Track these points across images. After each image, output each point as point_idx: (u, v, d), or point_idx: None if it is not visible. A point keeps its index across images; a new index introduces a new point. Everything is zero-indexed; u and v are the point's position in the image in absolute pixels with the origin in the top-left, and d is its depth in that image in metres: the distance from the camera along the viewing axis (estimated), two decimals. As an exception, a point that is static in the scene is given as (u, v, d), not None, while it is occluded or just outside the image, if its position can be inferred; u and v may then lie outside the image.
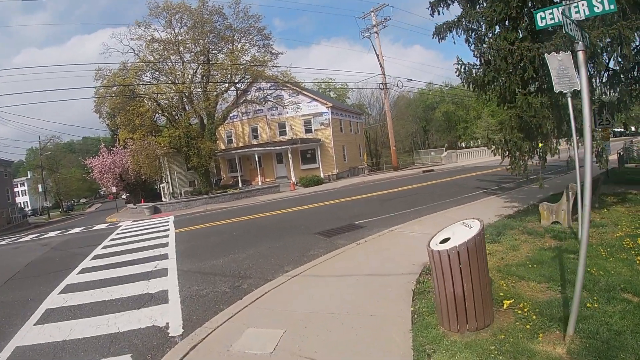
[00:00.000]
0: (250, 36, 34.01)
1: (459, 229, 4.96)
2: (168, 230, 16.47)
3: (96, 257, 12.51)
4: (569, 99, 8.10)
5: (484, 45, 10.04)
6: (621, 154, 24.24)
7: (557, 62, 8.16)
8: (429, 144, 72.56)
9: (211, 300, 7.29)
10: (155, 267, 10.15)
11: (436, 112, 76.81)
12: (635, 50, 9.12)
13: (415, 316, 5.40)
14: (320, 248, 10.21)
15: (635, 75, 9.84)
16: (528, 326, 4.70)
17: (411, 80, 38.33)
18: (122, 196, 52.05)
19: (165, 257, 11.21)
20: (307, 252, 9.96)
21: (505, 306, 5.27)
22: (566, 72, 8.14)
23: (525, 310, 5.15)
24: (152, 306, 7.26)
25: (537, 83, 10.12)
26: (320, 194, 24.66)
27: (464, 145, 75.73)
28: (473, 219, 5.15)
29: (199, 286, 8.18)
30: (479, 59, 11.89)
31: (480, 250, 4.70)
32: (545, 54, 8.10)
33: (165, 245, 13.01)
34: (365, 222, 13.09)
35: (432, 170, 34.53)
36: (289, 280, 7.41)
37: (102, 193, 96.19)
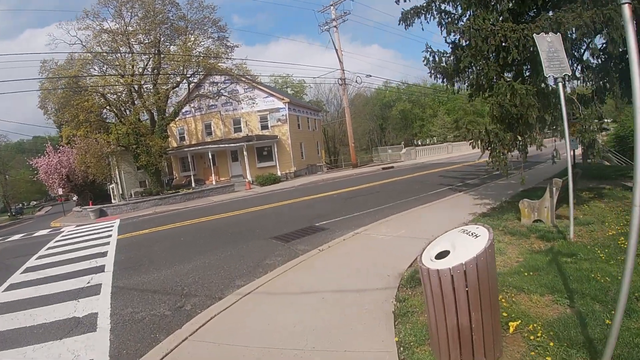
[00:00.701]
0: (205, 28, 32.09)
1: (460, 239, 3.77)
2: (110, 236, 14.67)
3: (28, 269, 10.74)
4: (560, 85, 7.17)
5: (462, 24, 8.93)
6: (584, 148, 24.07)
7: (547, 44, 7.26)
8: (385, 141, 72.31)
9: (147, 327, 5.86)
10: (89, 282, 8.55)
11: (393, 110, 77.06)
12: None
13: (402, 349, 4.18)
14: (277, 256, 8.87)
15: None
16: (548, 359, 3.65)
17: (370, 76, 36.88)
18: (73, 198, 48.59)
19: (101, 269, 9.59)
20: (262, 261, 8.58)
21: (511, 330, 4.18)
22: (556, 54, 7.24)
23: (538, 334, 4.08)
24: (77, 335, 5.80)
25: (516, 68, 9.21)
26: (278, 193, 23.24)
27: (420, 143, 76.18)
28: (477, 225, 3.97)
29: (134, 307, 6.70)
30: (451, 46, 10.94)
31: (491, 267, 3.53)
32: (534, 35, 7.20)
33: (104, 254, 11.32)
34: (327, 223, 11.86)
35: (392, 167, 33.74)
36: (240, 300, 6.03)
37: (52, 195, 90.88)
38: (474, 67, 9.17)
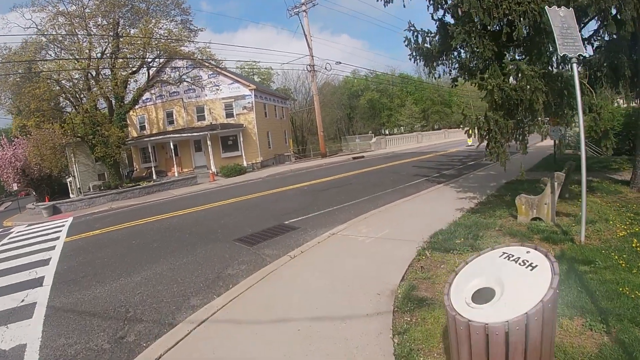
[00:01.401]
0: (167, 10, 30.00)
1: (508, 271, 2.56)
2: (58, 239, 12.87)
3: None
4: (574, 66, 6.10)
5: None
6: (557, 141, 23.59)
7: (560, 19, 6.17)
8: (353, 131, 71.47)
9: (80, 368, 4.52)
10: (23, 300, 6.99)
11: (361, 100, 76.47)
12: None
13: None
14: (241, 263, 7.52)
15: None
16: None
17: (340, 63, 35.31)
18: (33, 193, 45.22)
19: (40, 282, 7.98)
20: (223, 271, 7.22)
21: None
22: (569, 32, 6.16)
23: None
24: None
25: (523, 47, 8.12)
26: (243, 185, 21.74)
27: (387, 133, 75.85)
28: (525, 246, 2.77)
29: (68, 338, 5.28)
30: (438, 24, 9.78)
31: (555, 316, 2.36)
32: (546, 8, 6.09)
33: (47, 262, 9.62)
34: (298, 221, 10.58)
35: (363, 156, 32.59)
36: (193, 331, 4.70)
37: (11, 191, 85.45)
38: (466, 47, 8.02)
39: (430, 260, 6.28)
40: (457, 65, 9.26)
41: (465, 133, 7.91)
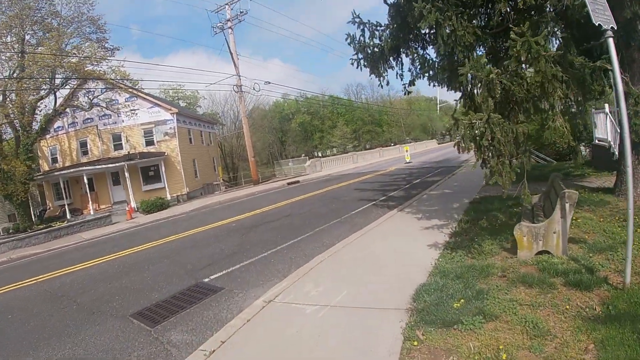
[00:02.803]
0: (81, 26, 26.53)
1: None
2: None
3: None
4: (610, 41, 4.15)
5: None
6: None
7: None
8: (286, 154, 69.41)
9: None
10: None
11: (292, 123, 75.25)
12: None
13: None
14: (134, 364, 4.83)
15: None
16: None
17: (269, 83, 32.24)
18: None
19: None
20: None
21: None
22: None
23: None
24: None
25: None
26: (162, 224, 18.39)
27: (320, 155, 74.63)
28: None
29: None
30: (392, 10, 7.73)
31: None
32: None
33: None
34: (222, 276, 7.85)
35: (298, 181, 29.97)
36: None
37: None
38: (436, 33, 5.93)
39: (427, 349, 3.93)
40: (418, 63, 7.21)
41: (455, 146, 5.72)
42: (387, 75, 9.56)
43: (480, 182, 15.05)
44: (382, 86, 10.10)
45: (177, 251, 11.11)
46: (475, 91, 5.94)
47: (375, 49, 8.27)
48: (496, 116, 4.98)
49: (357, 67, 9.64)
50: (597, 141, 15.00)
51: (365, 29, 7.99)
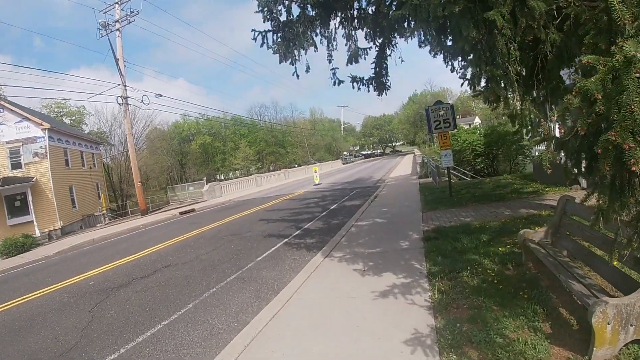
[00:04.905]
0: None
1: None
2: None
3: None
4: None
5: None
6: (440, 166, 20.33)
7: None
8: (186, 178, 63.31)
9: None
10: None
11: (193, 145, 69.57)
12: None
13: None
14: None
15: None
16: None
17: (161, 95, 27.08)
18: None
19: None
20: None
21: None
22: None
23: None
24: None
25: None
26: (9, 279, 13.01)
27: (223, 178, 69.67)
28: None
29: None
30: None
31: None
32: None
33: None
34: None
35: (193, 209, 24.93)
36: None
37: None
38: None
39: None
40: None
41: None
42: (306, 53, 6.09)
43: (415, 205, 12.03)
44: (297, 76, 6.55)
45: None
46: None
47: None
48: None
49: (262, 45, 6.09)
50: (537, 153, 12.83)
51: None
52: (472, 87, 4.61)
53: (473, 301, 4.48)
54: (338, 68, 6.28)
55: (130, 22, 27.33)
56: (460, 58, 5.05)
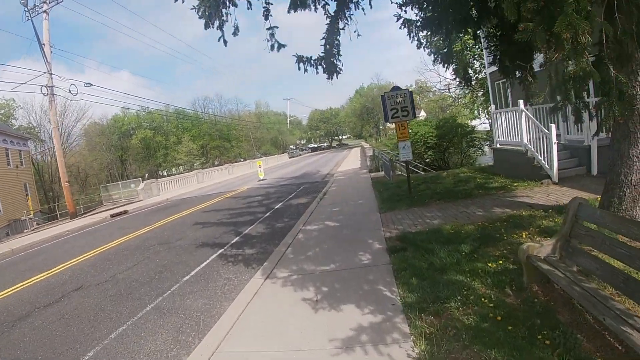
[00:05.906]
0: None
1: None
2: None
3: None
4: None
5: None
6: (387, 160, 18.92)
7: None
8: (127, 175, 59.15)
9: None
10: None
11: (133, 140, 64.86)
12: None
13: None
14: None
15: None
16: None
17: (90, 85, 23.59)
18: None
19: None
20: None
21: None
22: None
23: None
24: None
25: None
26: None
27: (166, 174, 65.88)
28: None
29: None
30: None
31: None
32: None
33: None
34: None
35: (126, 211, 22.01)
36: None
37: None
38: None
39: None
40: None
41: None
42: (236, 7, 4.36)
43: (370, 204, 10.56)
44: (225, 42, 4.82)
45: None
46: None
47: None
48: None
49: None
50: (498, 145, 11.74)
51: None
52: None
53: (477, 355, 3.00)
54: (277, 27, 4.64)
55: (58, 3, 23.98)
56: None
